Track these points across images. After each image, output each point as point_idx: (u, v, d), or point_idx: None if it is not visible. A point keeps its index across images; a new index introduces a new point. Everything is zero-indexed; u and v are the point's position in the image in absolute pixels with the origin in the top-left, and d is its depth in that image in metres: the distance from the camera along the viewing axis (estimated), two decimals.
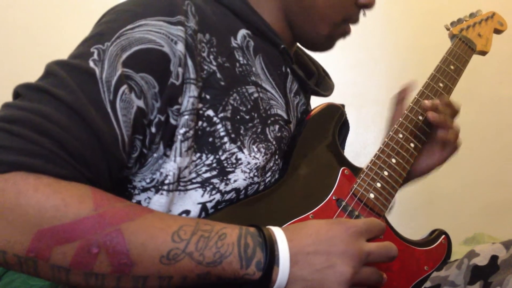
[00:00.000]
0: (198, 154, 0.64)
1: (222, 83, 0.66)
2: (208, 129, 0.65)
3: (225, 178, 0.65)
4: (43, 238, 0.48)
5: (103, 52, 0.58)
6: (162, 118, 0.61)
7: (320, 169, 0.75)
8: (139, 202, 0.63)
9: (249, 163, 0.66)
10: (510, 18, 1.09)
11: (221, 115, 0.65)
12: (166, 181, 0.62)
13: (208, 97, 0.65)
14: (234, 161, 0.65)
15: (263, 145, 0.69)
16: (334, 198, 0.71)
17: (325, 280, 0.56)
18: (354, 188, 0.73)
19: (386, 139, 0.79)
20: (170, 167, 0.62)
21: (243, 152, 0.66)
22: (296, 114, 0.80)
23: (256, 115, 0.69)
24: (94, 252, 0.49)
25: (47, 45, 1.68)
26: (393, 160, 0.77)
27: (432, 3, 1.99)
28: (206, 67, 0.65)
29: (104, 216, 0.51)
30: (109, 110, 0.56)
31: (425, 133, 0.82)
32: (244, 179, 0.66)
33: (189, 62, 0.63)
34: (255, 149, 0.67)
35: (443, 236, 0.77)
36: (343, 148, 0.83)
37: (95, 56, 0.58)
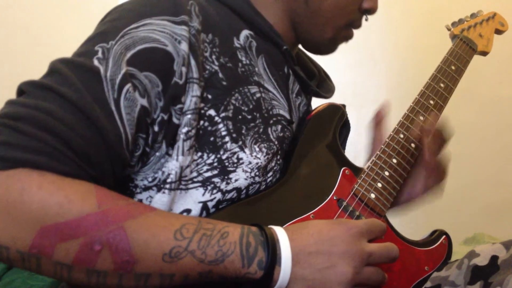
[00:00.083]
0: (200, 153, 0.64)
1: (224, 83, 0.67)
2: (209, 128, 0.65)
3: (226, 177, 0.65)
4: (46, 234, 0.49)
5: (107, 50, 0.58)
6: (165, 117, 0.61)
7: (321, 169, 0.75)
8: (140, 201, 0.64)
9: (250, 162, 0.66)
10: (511, 18, 1.09)
11: (223, 114, 0.66)
12: (168, 180, 0.63)
13: (210, 96, 0.65)
14: (235, 160, 0.66)
15: (265, 145, 0.69)
16: (335, 198, 0.72)
17: (326, 280, 0.56)
18: (355, 188, 0.73)
19: (387, 139, 0.79)
20: (172, 166, 0.62)
21: (244, 152, 0.66)
22: (298, 115, 0.80)
23: (258, 115, 0.70)
24: (97, 249, 0.50)
25: (47, 45, 1.68)
26: (394, 160, 0.77)
27: (432, 3, 1.99)
28: (208, 67, 0.66)
29: (107, 214, 0.51)
30: (113, 108, 0.56)
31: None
32: (245, 179, 0.66)
33: (192, 62, 0.63)
34: (257, 149, 0.68)
35: (443, 236, 0.77)
36: (344, 148, 0.84)
37: (100, 55, 0.58)
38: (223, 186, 0.65)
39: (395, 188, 0.76)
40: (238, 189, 0.66)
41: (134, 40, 0.60)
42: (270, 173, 0.70)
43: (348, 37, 0.82)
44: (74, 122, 0.53)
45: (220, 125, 0.65)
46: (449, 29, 1.00)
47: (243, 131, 0.67)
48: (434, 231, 0.79)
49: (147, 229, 0.52)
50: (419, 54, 1.93)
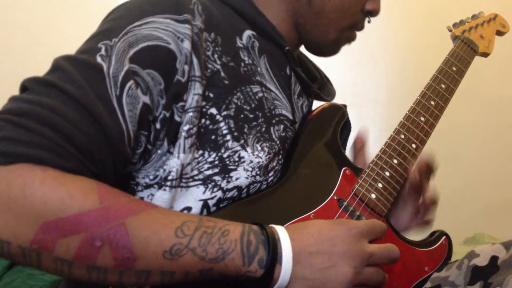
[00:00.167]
0: (201, 152, 0.64)
1: (226, 82, 0.67)
2: (210, 127, 0.65)
3: (227, 175, 0.65)
4: (48, 230, 0.49)
5: (110, 48, 0.58)
6: (167, 115, 0.61)
7: (321, 169, 0.75)
8: (141, 199, 0.64)
9: (251, 161, 0.67)
10: None
11: (224, 113, 0.66)
12: (169, 177, 0.63)
13: (211, 95, 0.65)
14: (236, 159, 0.66)
15: (267, 144, 0.69)
16: (335, 198, 0.72)
17: (326, 280, 0.56)
18: (355, 188, 0.73)
19: (388, 140, 0.79)
20: (173, 164, 0.63)
21: (246, 150, 0.66)
22: (300, 115, 0.80)
23: (260, 114, 0.70)
24: (98, 245, 0.50)
25: (47, 45, 1.68)
26: (395, 161, 0.77)
27: (432, 3, 1.99)
28: (210, 66, 0.66)
29: (108, 210, 0.51)
30: (116, 105, 0.56)
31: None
32: (246, 178, 0.66)
33: (195, 60, 0.63)
34: (259, 148, 0.68)
35: (444, 237, 0.77)
36: (345, 149, 0.84)
37: (103, 52, 0.58)
38: (223, 184, 0.65)
39: (396, 188, 0.76)
40: (239, 188, 0.66)
41: (137, 38, 0.60)
42: (272, 173, 0.70)
43: (351, 38, 0.83)
44: (77, 119, 0.53)
45: (222, 124, 0.65)
46: (450, 30, 1.00)
47: (245, 130, 0.67)
48: (434, 232, 0.79)
49: (148, 226, 0.52)
50: (419, 54, 1.93)
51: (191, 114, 0.63)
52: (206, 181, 0.64)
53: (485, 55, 0.99)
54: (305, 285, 0.56)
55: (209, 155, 0.65)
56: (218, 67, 0.67)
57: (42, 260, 0.50)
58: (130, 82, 0.58)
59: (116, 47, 0.59)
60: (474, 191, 1.95)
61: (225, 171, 0.65)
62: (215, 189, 0.65)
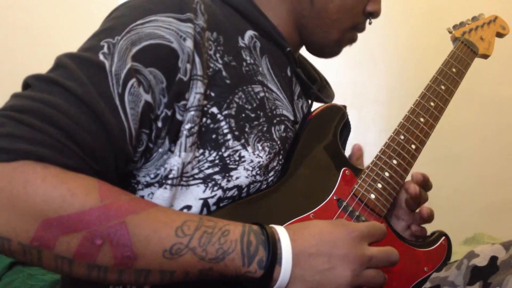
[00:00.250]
0: (201, 150, 0.65)
1: (228, 81, 0.67)
2: (211, 126, 0.65)
3: (227, 174, 0.65)
4: (49, 227, 0.49)
5: (113, 45, 0.58)
6: (169, 113, 0.62)
7: (321, 169, 0.75)
8: (142, 197, 0.64)
9: (252, 161, 0.67)
10: None
11: (225, 112, 0.66)
12: (170, 176, 0.63)
13: (212, 94, 0.65)
14: (237, 158, 0.66)
15: (268, 144, 0.69)
16: (335, 198, 0.72)
17: (325, 281, 0.56)
18: (355, 189, 0.73)
19: (387, 140, 0.79)
20: (174, 162, 0.63)
21: (246, 150, 0.66)
22: (301, 116, 0.81)
23: (262, 113, 0.70)
24: (98, 243, 0.50)
25: (47, 45, 1.68)
26: (394, 161, 0.77)
27: (432, 3, 1.99)
28: (212, 65, 0.66)
29: (109, 208, 0.51)
30: (118, 103, 0.56)
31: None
32: (247, 177, 0.66)
33: (197, 59, 0.63)
34: (260, 147, 0.68)
35: (443, 237, 0.77)
36: (344, 149, 0.84)
37: (105, 50, 0.58)
38: (224, 183, 0.65)
39: (395, 188, 0.76)
40: (239, 187, 0.66)
41: (140, 36, 0.60)
42: (272, 173, 0.70)
43: (352, 40, 0.83)
44: (79, 116, 0.53)
45: (222, 123, 0.66)
46: (450, 32, 1.00)
47: (246, 129, 0.67)
48: (434, 232, 0.79)
49: (149, 225, 0.52)
50: (419, 54, 1.93)
51: (192, 112, 0.63)
52: (206, 180, 0.65)
53: (485, 57, 0.99)
54: (304, 286, 0.56)
55: (210, 154, 0.65)
56: (220, 66, 0.67)
57: (42, 257, 0.50)
58: (132, 80, 0.58)
59: (118, 45, 0.59)
60: (474, 191, 1.95)
61: (225, 170, 0.65)
62: (215, 188, 0.65)
